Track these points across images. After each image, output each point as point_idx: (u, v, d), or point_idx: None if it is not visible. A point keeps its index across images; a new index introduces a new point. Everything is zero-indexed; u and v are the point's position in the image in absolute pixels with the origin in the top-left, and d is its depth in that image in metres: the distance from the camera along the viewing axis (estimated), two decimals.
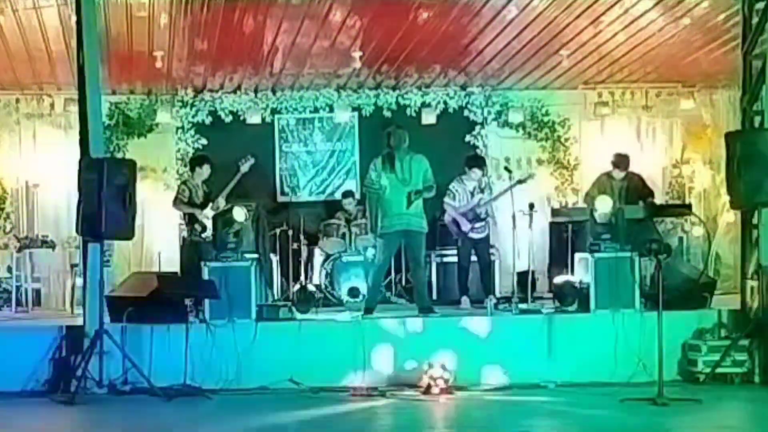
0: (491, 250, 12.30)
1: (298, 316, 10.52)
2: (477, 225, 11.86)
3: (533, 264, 12.68)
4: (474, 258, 11.99)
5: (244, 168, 11.75)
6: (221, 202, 11.63)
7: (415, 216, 10.65)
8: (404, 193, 10.56)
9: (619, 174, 12.23)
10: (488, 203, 11.90)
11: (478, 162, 12.20)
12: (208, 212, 11.63)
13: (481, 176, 12.04)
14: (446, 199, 11.97)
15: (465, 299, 11.83)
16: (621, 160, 12.28)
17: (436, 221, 12.82)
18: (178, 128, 14.17)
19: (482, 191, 11.90)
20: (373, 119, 14.37)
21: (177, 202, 11.91)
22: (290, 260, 12.95)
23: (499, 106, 14.54)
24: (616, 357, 9.51)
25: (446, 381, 9.24)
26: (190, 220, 11.79)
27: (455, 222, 11.94)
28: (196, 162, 12.21)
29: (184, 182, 12.19)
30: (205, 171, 11.91)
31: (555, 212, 13.52)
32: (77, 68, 9.77)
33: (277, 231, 13.10)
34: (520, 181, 11.64)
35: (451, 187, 11.98)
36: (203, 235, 11.56)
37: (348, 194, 13.80)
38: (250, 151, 12.14)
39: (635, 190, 12.16)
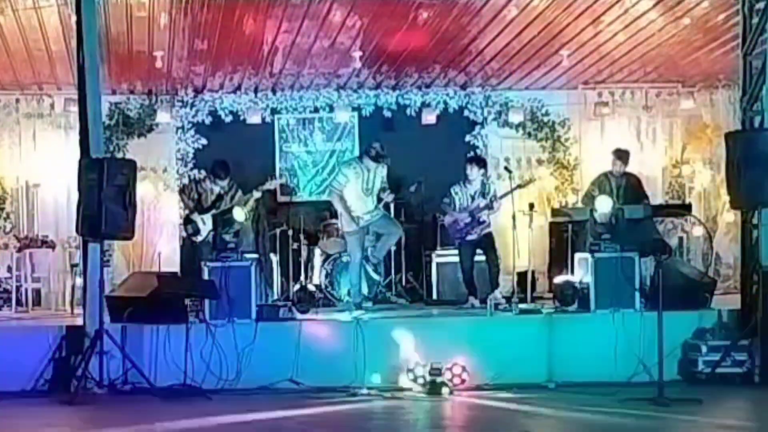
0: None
1: (298, 316, 10.52)
2: (473, 227, 11.83)
3: (533, 264, 12.66)
4: (479, 258, 11.98)
5: (269, 185, 11.74)
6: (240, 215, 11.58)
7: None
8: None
9: (618, 170, 12.21)
10: (486, 207, 11.84)
11: (474, 161, 12.15)
12: (206, 216, 11.61)
13: (480, 175, 12.00)
14: (446, 200, 11.97)
15: (472, 299, 11.80)
16: (622, 155, 12.29)
17: (437, 221, 12.82)
18: (178, 128, 14.15)
19: (484, 195, 11.86)
20: (373, 119, 14.36)
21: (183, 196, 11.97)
22: (290, 260, 12.94)
23: (499, 106, 14.51)
24: (616, 357, 9.50)
25: (446, 381, 9.24)
26: (185, 220, 11.78)
27: (453, 223, 11.94)
28: (221, 169, 12.01)
29: (198, 182, 12.13)
30: (225, 184, 11.86)
31: (555, 212, 13.50)
32: (77, 68, 9.77)
33: (277, 231, 13.10)
34: (519, 186, 11.61)
35: (452, 189, 11.96)
36: (194, 238, 11.53)
37: None
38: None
39: (632, 189, 12.14)
